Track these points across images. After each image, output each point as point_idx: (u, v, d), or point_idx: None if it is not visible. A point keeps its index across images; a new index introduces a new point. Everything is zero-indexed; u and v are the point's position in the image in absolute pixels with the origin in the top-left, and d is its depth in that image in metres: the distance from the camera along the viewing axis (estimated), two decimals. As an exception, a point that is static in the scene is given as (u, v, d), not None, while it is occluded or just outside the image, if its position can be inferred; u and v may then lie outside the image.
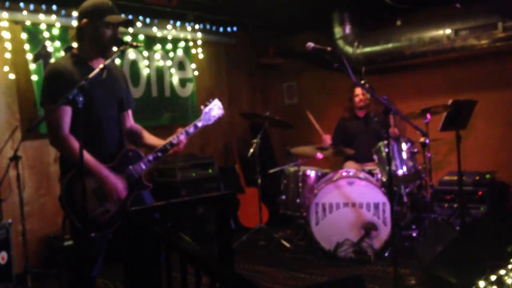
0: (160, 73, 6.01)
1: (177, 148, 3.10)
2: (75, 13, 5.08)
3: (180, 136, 3.07)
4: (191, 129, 3.12)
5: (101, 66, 2.74)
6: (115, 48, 2.89)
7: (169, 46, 6.07)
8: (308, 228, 4.85)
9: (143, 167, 3.02)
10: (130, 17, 5.37)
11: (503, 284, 3.04)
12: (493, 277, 3.08)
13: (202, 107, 3.25)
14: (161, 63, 6.00)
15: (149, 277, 2.53)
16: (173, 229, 2.51)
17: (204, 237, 5.38)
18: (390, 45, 5.88)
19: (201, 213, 5.52)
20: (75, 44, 3.04)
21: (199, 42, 6.44)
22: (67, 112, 2.74)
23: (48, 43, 4.93)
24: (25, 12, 4.76)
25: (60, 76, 2.74)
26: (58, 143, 2.81)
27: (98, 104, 2.87)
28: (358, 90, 5.48)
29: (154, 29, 5.89)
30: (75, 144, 2.73)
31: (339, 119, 5.71)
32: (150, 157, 3.04)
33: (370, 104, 5.49)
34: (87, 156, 2.72)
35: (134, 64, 5.72)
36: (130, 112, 3.22)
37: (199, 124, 3.17)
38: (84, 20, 2.76)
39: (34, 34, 4.85)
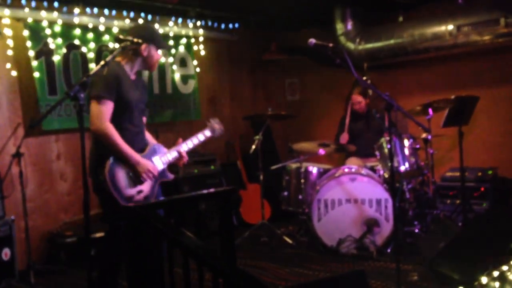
0: (162, 70, 6.01)
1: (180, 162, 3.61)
2: (76, 10, 5.09)
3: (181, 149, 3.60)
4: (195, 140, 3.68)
5: (102, 62, 2.92)
6: (116, 45, 2.99)
7: (171, 42, 6.07)
8: (310, 224, 4.86)
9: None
10: (171, 42, 6.07)
11: (505, 279, 3.04)
12: (495, 273, 3.08)
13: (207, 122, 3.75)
14: (163, 59, 6.00)
15: (152, 273, 2.55)
16: (175, 225, 2.52)
17: (207, 233, 5.39)
18: (392, 41, 5.86)
19: (203, 209, 5.53)
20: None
21: (201, 39, 6.44)
22: (111, 107, 3.20)
23: (50, 40, 4.93)
24: (27, 9, 4.76)
25: (117, 79, 3.23)
26: (101, 130, 3.16)
27: (134, 105, 3.32)
28: (356, 98, 5.48)
29: (156, 26, 5.88)
30: (116, 133, 3.18)
31: (342, 116, 5.70)
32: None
33: (368, 104, 5.49)
34: (122, 142, 3.18)
35: (136, 61, 5.72)
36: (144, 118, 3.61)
37: (207, 133, 3.74)
38: (144, 45, 3.29)
39: (36, 31, 4.85)
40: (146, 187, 3.31)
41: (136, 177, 3.26)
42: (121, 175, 3.20)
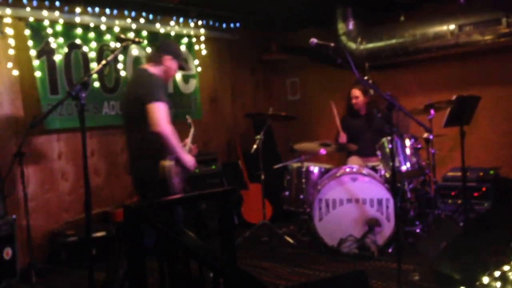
0: (163, 69, 6.01)
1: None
2: (78, 10, 5.10)
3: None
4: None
5: (103, 62, 2.96)
6: (118, 44, 3.04)
7: (172, 42, 6.07)
8: (311, 224, 4.85)
9: None
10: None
11: (507, 280, 3.04)
12: (497, 273, 3.08)
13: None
14: (164, 59, 6.00)
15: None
16: (176, 225, 2.51)
17: (207, 232, 5.39)
18: (393, 41, 5.85)
19: (204, 209, 5.53)
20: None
21: (202, 38, 6.44)
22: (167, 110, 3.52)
23: (51, 40, 4.94)
24: (28, 9, 4.77)
25: (164, 84, 3.67)
26: (165, 132, 3.44)
27: (169, 107, 3.58)
28: (354, 92, 5.48)
29: (157, 25, 5.88)
30: (174, 134, 3.54)
31: (343, 116, 5.70)
32: None
33: (369, 103, 5.48)
34: (178, 142, 3.56)
35: (137, 61, 5.72)
36: None
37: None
38: (170, 57, 3.73)
39: (37, 31, 4.85)
40: (183, 180, 3.66)
41: (183, 172, 3.61)
42: (176, 172, 3.54)
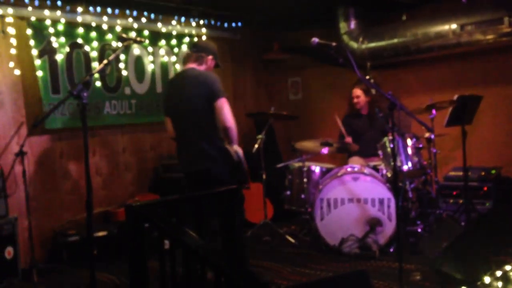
0: (165, 68, 6.01)
1: None
2: (79, 9, 5.10)
3: None
4: None
5: (105, 61, 2.98)
6: (119, 44, 3.04)
7: (173, 41, 6.07)
8: (312, 223, 4.85)
9: None
10: (174, 41, 6.08)
11: (508, 279, 3.04)
12: (498, 273, 3.08)
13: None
14: (165, 58, 6.00)
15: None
16: (178, 224, 2.52)
17: (209, 232, 5.38)
18: (395, 40, 5.85)
19: (206, 208, 5.52)
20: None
21: (204, 38, 6.44)
22: None
23: (53, 39, 4.94)
24: (30, 8, 4.77)
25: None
26: (233, 125, 3.74)
27: None
28: (356, 92, 5.48)
29: (159, 24, 5.88)
30: None
31: (344, 115, 5.69)
32: None
33: (370, 103, 5.48)
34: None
35: (139, 60, 5.73)
36: None
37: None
38: (211, 57, 4.00)
39: (39, 30, 4.86)
40: None
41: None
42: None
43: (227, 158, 3.81)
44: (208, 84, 3.75)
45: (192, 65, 3.94)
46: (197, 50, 3.98)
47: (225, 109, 3.71)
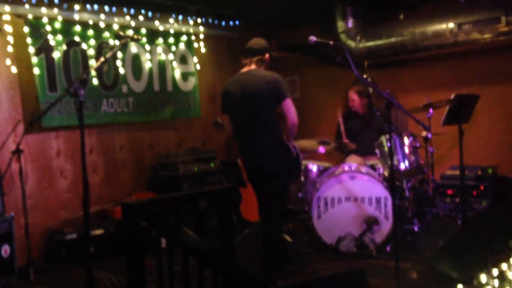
0: (162, 67, 6.00)
1: None
2: (77, 7, 5.09)
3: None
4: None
5: (102, 59, 3.00)
6: (117, 42, 3.04)
7: (171, 40, 6.06)
8: (310, 222, 4.85)
9: None
10: (171, 39, 6.01)
11: (504, 278, 3.05)
12: (495, 271, 3.09)
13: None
14: (163, 57, 6.00)
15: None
16: (175, 223, 2.51)
17: (206, 231, 5.38)
18: (393, 39, 5.85)
19: (203, 207, 5.53)
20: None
21: (201, 36, 6.43)
22: None
23: (50, 37, 4.92)
24: (27, 6, 4.76)
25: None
26: (297, 123, 4.01)
27: None
28: (351, 95, 5.48)
29: (156, 22, 5.87)
30: None
31: (341, 116, 5.69)
32: None
33: (366, 105, 5.47)
34: None
35: (136, 58, 5.72)
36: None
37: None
38: (268, 55, 4.14)
39: (36, 28, 4.84)
40: None
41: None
42: None
43: (288, 153, 4.03)
44: (276, 85, 3.98)
45: (253, 67, 4.11)
46: (254, 54, 4.10)
47: (293, 108, 4.02)
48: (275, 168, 4.02)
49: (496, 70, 5.74)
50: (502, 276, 3.06)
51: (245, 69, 4.15)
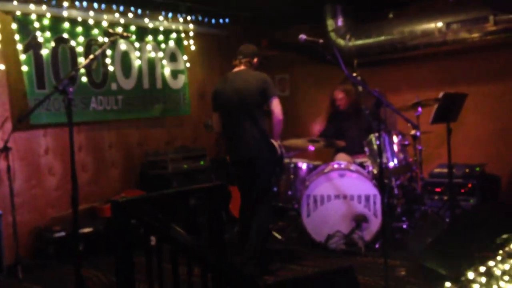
0: (151, 64, 5.99)
1: None
2: (65, 4, 5.06)
3: None
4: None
5: (91, 56, 2.97)
6: (106, 39, 3.05)
7: (161, 37, 6.04)
8: (299, 220, 4.87)
9: None
10: (161, 36, 5.78)
11: (492, 275, 3.07)
12: (482, 268, 3.11)
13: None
14: (152, 54, 5.98)
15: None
16: (164, 220, 2.51)
17: (196, 228, 5.38)
18: (382, 38, 5.88)
19: (193, 205, 5.52)
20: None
21: (191, 34, 6.42)
22: None
23: (38, 34, 4.89)
24: (15, 2, 4.72)
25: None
26: (282, 119, 4.23)
27: None
28: (337, 94, 5.51)
29: (146, 20, 5.85)
30: None
31: (330, 113, 5.72)
32: None
33: (353, 103, 5.49)
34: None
35: (125, 55, 5.69)
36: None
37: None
38: (256, 59, 4.36)
39: (24, 24, 4.81)
40: None
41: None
42: None
43: (273, 149, 4.20)
44: (264, 83, 4.18)
45: (243, 67, 4.33)
46: (244, 56, 4.35)
47: (278, 105, 4.23)
48: (262, 159, 4.15)
49: (484, 69, 5.79)
50: (489, 273, 3.08)
51: (235, 70, 4.34)
